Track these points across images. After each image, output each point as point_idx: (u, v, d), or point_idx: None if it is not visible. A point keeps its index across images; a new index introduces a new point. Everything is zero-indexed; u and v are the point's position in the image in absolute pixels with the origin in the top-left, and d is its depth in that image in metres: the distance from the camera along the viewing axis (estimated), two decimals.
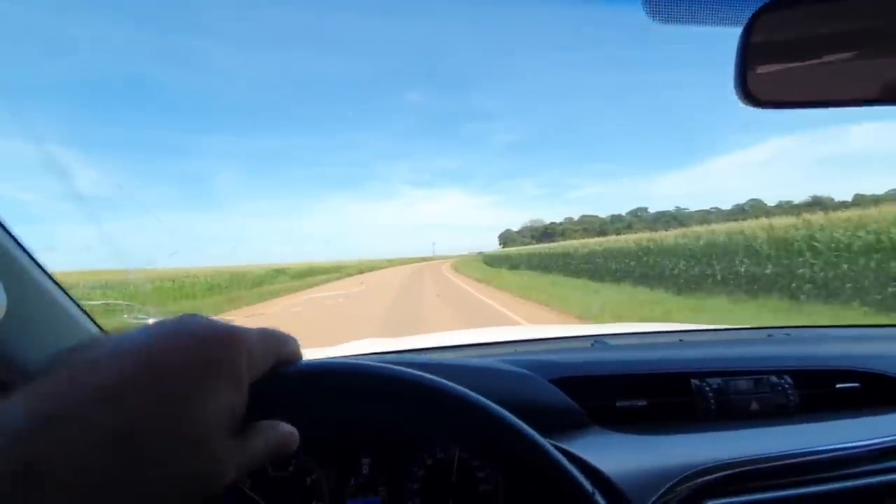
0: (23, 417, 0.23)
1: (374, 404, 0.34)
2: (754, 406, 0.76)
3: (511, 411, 0.38)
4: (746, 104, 0.47)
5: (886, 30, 0.44)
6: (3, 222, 0.60)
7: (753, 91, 0.46)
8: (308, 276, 31.46)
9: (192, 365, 0.27)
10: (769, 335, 1.11)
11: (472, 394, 0.36)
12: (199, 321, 0.29)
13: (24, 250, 0.62)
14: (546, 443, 0.39)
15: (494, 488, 0.69)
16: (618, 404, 0.76)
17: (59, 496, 0.22)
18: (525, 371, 0.75)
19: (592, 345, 1.05)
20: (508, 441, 0.37)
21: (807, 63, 0.47)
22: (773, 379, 0.79)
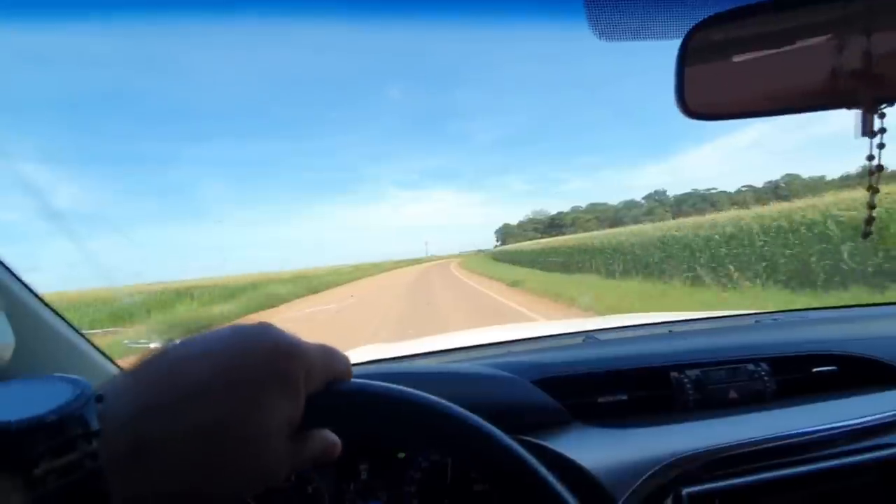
0: (131, 404, 0.28)
1: (405, 426, 0.40)
2: (732, 394, 0.80)
3: (492, 414, 0.42)
4: (687, 117, 0.50)
5: (815, 42, 0.48)
6: (1, 259, 0.63)
7: (691, 105, 0.50)
8: (236, 296, 20.35)
9: (262, 373, 0.31)
10: (756, 321, 1.13)
11: (476, 417, 0.40)
12: (272, 332, 0.33)
13: (25, 285, 0.65)
14: (514, 443, 0.43)
15: (489, 487, 0.73)
16: (599, 400, 0.80)
17: (159, 473, 0.27)
18: (508, 374, 0.79)
19: (584, 341, 1.08)
20: (486, 449, 0.42)
21: (740, 77, 0.50)
22: (750, 367, 0.82)
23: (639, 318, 1.54)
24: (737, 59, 0.50)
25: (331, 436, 0.36)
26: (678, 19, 0.54)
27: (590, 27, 0.54)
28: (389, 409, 0.38)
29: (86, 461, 0.25)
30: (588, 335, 1.12)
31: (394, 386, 0.39)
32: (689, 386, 0.80)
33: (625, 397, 0.80)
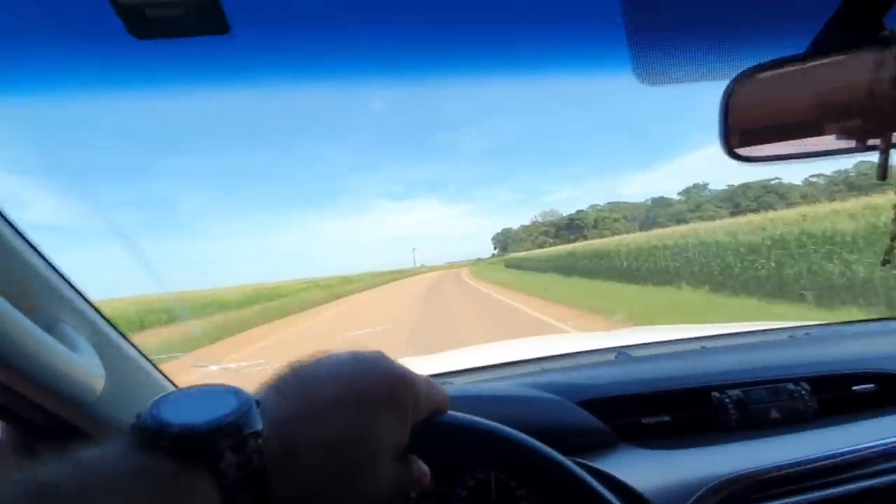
0: (280, 412, 0.33)
1: (497, 458, 0.46)
2: (774, 414, 0.84)
3: (544, 437, 0.48)
4: (732, 160, 0.57)
5: (849, 90, 0.54)
6: (82, 292, 0.68)
7: (737, 149, 0.56)
8: None
9: (380, 397, 0.36)
10: (790, 336, 1.18)
11: (542, 446, 0.47)
12: (387, 361, 0.38)
13: (103, 317, 0.71)
14: (576, 468, 0.49)
15: None
16: (643, 421, 0.85)
17: (303, 476, 0.32)
18: (553, 396, 0.85)
19: (616, 357, 1.13)
20: (552, 475, 0.47)
21: (781, 122, 0.56)
22: (791, 386, 0.87)
23: (669, 333, 1.58)
24: (774, 106, 0.56)
25: (423, 465, 0.41)
26: (719, 64, 0.60)
27: (633, 73, 0.61)
28: (485, 442, 0.45)
29: (254, 457, 0.30)
30: (620, 351, 1.17)
31: (489, 422, 0.45)
32: (730, 406, 0.84)
33: (668, 419, 0.85)
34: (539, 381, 0.92)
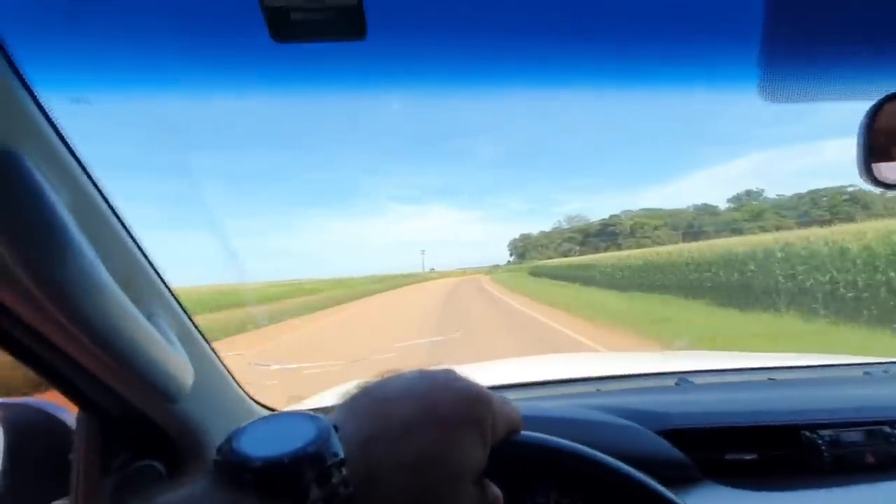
0: (358, 435, 0.32)
1: (582, 481, 0.45)
2: (869, 459, 0.80)
3: (632, 466, 0.47)
4: (873, 186, 0.54)
5: None
6: (175, 293, 0.69)
7: (878, 175, 0.53)
8: None
9: (458, 416, 0.34)
10: (865, 372, 1.12)
11: (643, 476, 0.46)
12: (461, 378, 0.37)
13: (190, 318, 0.73)
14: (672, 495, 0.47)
15: None
16: (727, 457, 0.82)
17: (383, 497, 0.31)
18: (631, 423, 0.83)
19: (677, 384, 1.10)
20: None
21: None
22: (887, 430, 0.82)
23: (728, 360, 1.52)
24: None
25: (497, 488, 0.39)
26: (856, 85, 0.57)
27: (759, 91, 0.58)
28: (571, 464, 0.43)
29: (340, 488, 0.29)
30: (681, 378, 1.13)
31: (574, 444, 0.44)
32: (823, 448, 0.81)
33: (755, 456, 0.82)
34: (603, 404, 0.89)
